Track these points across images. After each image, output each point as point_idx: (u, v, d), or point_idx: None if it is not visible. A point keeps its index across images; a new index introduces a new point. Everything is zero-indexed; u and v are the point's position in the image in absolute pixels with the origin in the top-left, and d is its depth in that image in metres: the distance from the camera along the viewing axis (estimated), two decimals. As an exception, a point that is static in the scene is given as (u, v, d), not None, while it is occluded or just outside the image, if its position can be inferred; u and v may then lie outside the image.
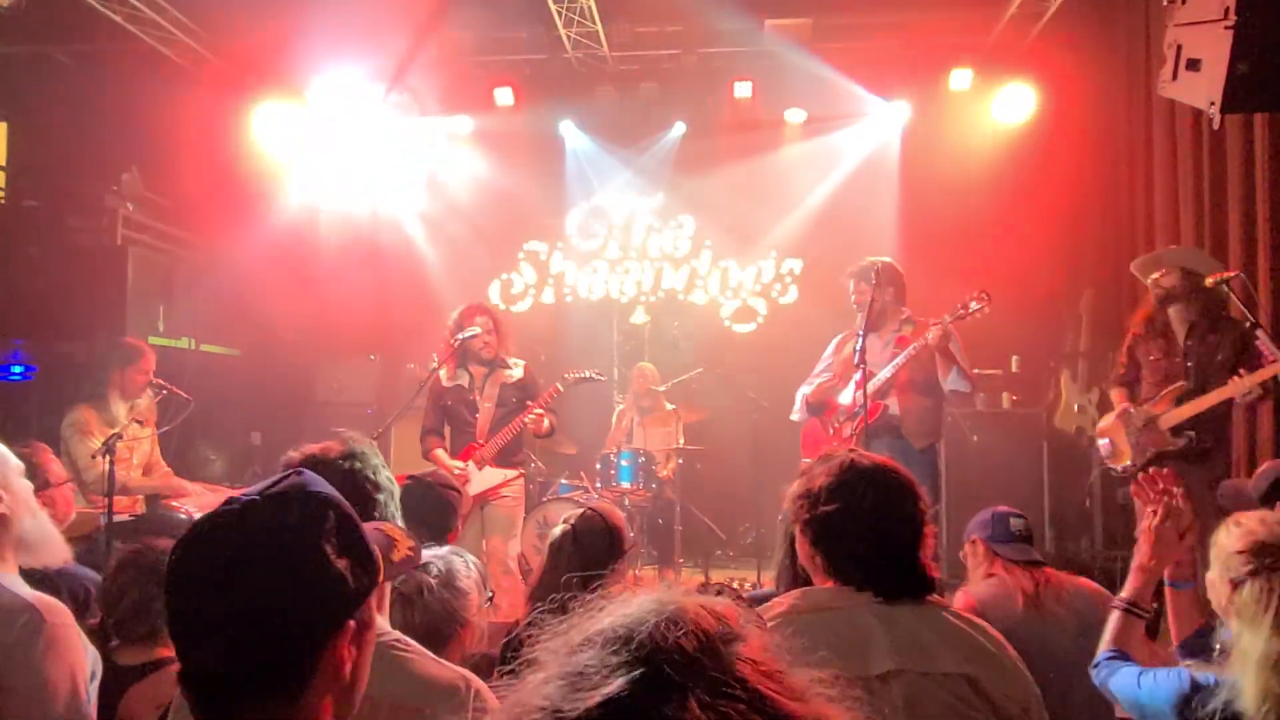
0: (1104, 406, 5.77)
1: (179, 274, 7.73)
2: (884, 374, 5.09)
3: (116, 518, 4.70)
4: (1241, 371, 4.29)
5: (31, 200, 7.61)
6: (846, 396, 5.24)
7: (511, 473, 5.48)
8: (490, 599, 2.59)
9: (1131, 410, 4.77)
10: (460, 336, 5.37)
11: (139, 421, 5.19)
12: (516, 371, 5.56)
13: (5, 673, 2.10)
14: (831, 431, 5.31)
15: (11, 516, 2.27)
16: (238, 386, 8.41)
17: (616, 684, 0.66)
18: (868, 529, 1.95)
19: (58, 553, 2.40)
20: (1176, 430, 4.59)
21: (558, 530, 2.96)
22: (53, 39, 8.04)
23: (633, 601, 0.74)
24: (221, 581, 1.10)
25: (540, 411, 5.37)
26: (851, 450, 2.09)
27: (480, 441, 5.43)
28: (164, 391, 5.28)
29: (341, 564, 1.15)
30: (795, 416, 5.61)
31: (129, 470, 5.28)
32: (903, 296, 5.35)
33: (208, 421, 7.37)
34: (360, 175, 8.73)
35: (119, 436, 4.77)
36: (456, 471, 5.18)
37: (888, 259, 5.38)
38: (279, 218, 8.16)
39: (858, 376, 4.91)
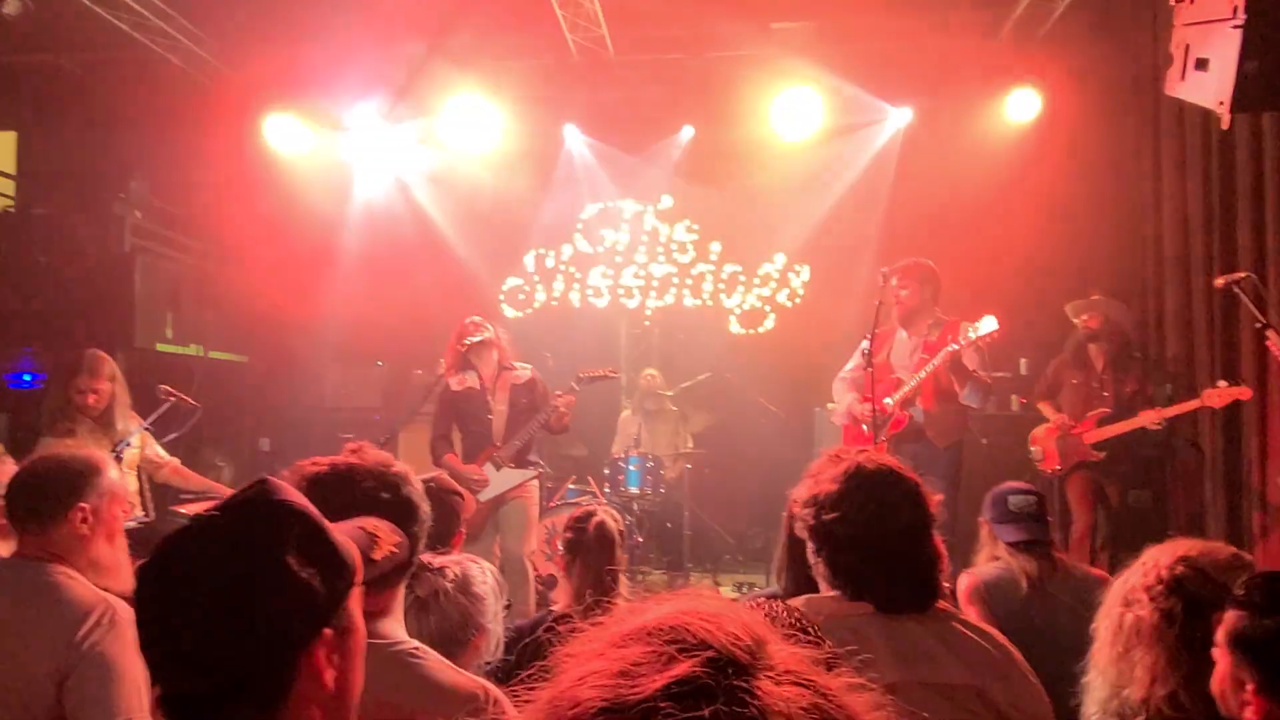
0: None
1: (187, 281, 7.75)
2: (905, 389, 5.16)
3: (126, 524, 4.65)
4: (1158, 409, 5.64)
5: (40, 208, 7.64)
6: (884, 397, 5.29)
7: (530, 472, 5.51)
8: (508, 606, 2.57)
9: (1063, 425, 5.94)
10: (470, 340, 5.38)
11: (149, 429, 5.11)
12: (524, 373, 5.61)
13: (73, 663, 2.10)
14: (866, 430, 5.32)
15: (91, 538, 2.38)
16: (246, 393, 8.44)
17: (683, 665, 0.65)
18: (868, 541, 1.92)
19: (125, 580, 2.42)
20: (1098, 446, 5.83)
21: (607, 521, 3.09)
22: (60, 47, 8.07)
23: (662, 605, 0.73)
24: (183, 604, 1.07)
25: (564, 409, 5.40)
26: (861, 452, 2.04)
27: (497, 444, 5.46)
28: (171, 399, 5.25)
29: (308, 573, 1.11)
30: (838, 420, 5.60)
31: (124, 478, 5.18)
32: (938, 297, 5.38)
33: (216, 428, 7.38)
34: (365, 181, 8.74)
35: (127, 444, 4.73)
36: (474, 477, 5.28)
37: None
38: (286, 224, 8.17)
39: (898, 379, 5.27)
